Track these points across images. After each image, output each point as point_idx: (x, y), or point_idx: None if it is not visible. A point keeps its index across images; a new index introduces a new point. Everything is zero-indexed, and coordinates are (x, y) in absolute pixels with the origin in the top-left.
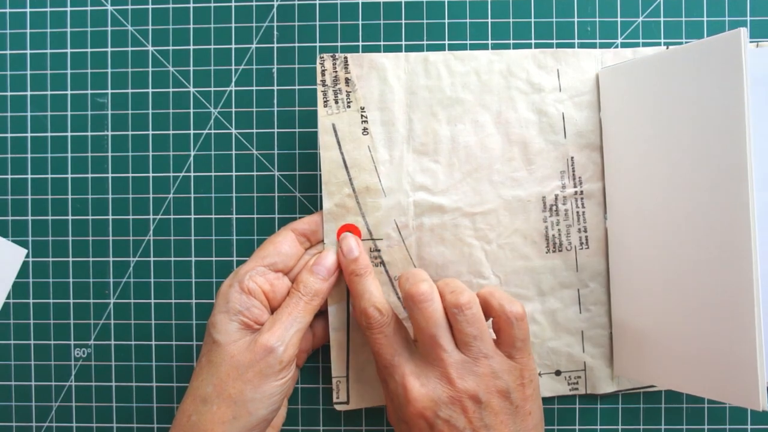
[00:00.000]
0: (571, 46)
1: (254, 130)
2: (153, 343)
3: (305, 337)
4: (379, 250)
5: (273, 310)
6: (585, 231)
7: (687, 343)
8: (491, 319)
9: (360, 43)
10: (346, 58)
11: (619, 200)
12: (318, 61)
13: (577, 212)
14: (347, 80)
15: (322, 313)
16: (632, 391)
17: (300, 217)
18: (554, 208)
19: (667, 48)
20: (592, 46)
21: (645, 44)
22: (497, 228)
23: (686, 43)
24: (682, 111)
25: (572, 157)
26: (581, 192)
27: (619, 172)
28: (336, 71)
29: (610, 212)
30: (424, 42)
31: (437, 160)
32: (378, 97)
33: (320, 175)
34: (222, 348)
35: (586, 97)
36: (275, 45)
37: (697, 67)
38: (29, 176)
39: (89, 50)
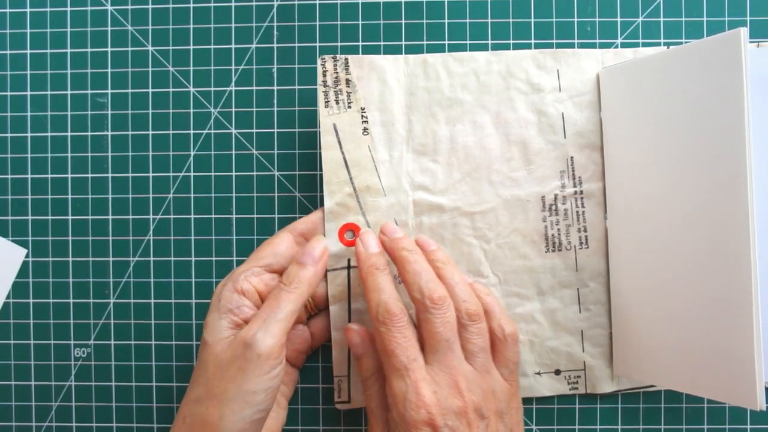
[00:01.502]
0: (570, 46)
1: (254, 130)
2: (153, 343)
3: (302, 338)
4: None
5: None
6: (585, 231)
7: (686, 343)
8: None
9: (360, 43)
10: (346, 59)
11: (619, 200)
12: (319, 62)
13: (577, 212)
14: (348, 81)
15: (320, 313)
16: (632, 391)
17: (300, 218)
18: (554, 207)
19: (668, 48)
20: (592, 46)
21: (645, 44)
22: (496, 227)
23: (686, 43)
24: (682, 111)
25: (572, 157)
26: (581, 192)
27: (619, 171)
28: (337, 72)
29: (610, 212)
30: (424, 42)
31: (436, 160)
32: (378, 98)
33: (320, 174)
34: (209, 347)
35: (586, 97)
36: (275, 45)
37: (697, 66)
38: (29, 176)
39: (89, 50)
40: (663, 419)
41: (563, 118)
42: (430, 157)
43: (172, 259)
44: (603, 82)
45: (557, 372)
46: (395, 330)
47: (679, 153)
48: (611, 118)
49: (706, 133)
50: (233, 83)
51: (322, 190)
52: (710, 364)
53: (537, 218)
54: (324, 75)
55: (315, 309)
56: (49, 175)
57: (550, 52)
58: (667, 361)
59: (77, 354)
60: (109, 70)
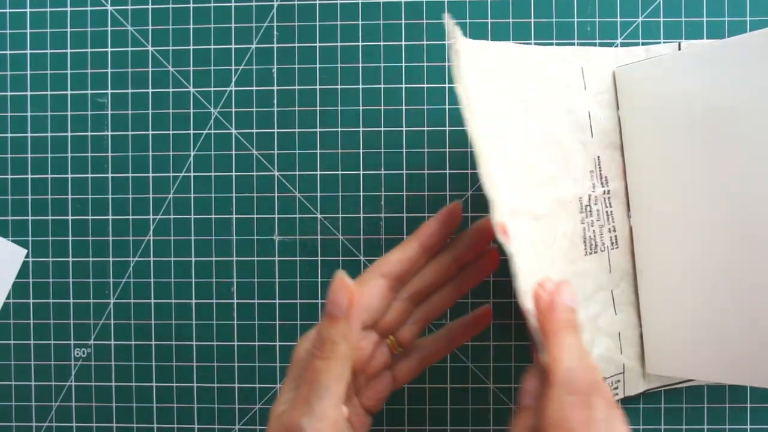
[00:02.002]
0: (571, 45)
1: (254, 130)
2: (153, 343)
3: (384, 384)
4: None
5: (357, 372)
6: (614, 230)
7: (727, 334)
8: None
9: (360, 44)
10: (453, 24)
11: (644, 197)
12: (445, 19)
13: (607, 212)
14: (457, 51)
15: (406, 354)
16: (663, 389)
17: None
18: (588, 208)
19: (679, 48)
20: (592, 45)
21: (645, 44)
22: (552, 232)
23: (685, 42)
24: (709, 107)
25: (598, 156)
26: (608, 191)
27: (643, 169)
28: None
29: (634, 210)
30: (424, 42)
31: (504, 158)
32: (466, 79)
33: (320, 175)
34: (268, 420)
35: (605, 96)
36: (275, 45)
37: (729, 64)
38: (29, 176)
39: (89, 50)
40: (663, 419)
41: (590, 116)
42: (499, 154)
43: (172, 259)
44: (619, 81)
45: None
46: (572, 411)
47: (706, 150)
48: (629, 116)
49: (739, 129)
50: (233, 83)
51: (321, 191)
52: (754, 351)
53: (577, 220)
54: (450, 37)
55: (400, 349)
56: (49, 175)
57: (578, 48)
58: (706, 354)
59: (77, 354)
60: (109, 70)
